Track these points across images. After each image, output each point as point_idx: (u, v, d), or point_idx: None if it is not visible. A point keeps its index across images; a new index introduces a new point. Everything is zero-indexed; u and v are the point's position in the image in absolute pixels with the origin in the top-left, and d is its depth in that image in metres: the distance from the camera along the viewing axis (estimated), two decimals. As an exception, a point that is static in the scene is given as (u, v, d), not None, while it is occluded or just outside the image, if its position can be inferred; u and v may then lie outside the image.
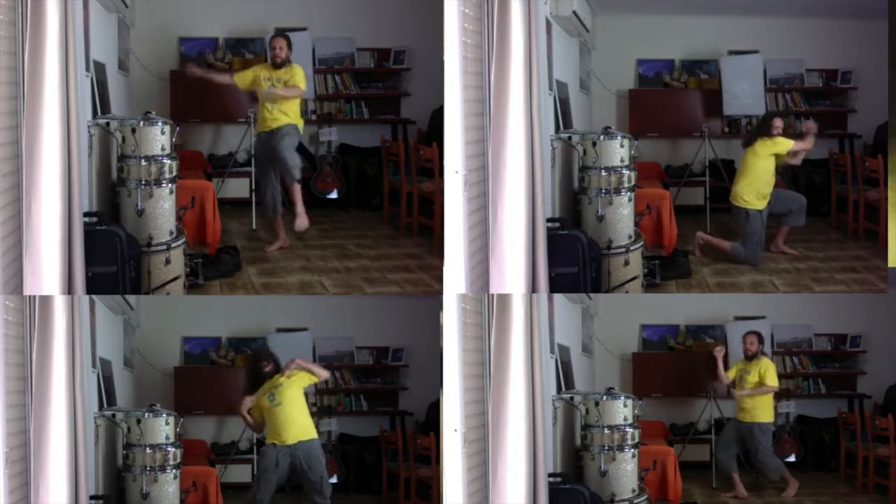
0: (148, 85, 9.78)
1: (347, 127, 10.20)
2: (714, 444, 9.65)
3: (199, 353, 9.66)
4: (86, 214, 7.88)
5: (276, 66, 9.16)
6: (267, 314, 9.56)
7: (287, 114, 9.16)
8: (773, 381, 9.31)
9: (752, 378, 9.30)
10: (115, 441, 8.51)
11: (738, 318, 9.84)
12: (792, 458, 9.75)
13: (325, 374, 8.66)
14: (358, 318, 9.51)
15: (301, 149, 9.90)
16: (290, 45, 9.20)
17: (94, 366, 8.42)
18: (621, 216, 8.57)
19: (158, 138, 8.36)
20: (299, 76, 9.17)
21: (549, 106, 8.55)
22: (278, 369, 8.57)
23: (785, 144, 9.28)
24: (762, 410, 9.33)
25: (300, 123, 9.22)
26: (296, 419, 8.49)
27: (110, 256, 8.03)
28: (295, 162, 9.15)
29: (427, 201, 9.50)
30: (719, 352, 9.43)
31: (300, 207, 9.18)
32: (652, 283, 8.81)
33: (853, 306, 9.85)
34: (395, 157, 9.88)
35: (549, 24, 8.59)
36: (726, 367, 9.45)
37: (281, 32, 9.37)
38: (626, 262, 8.56)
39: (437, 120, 9.12)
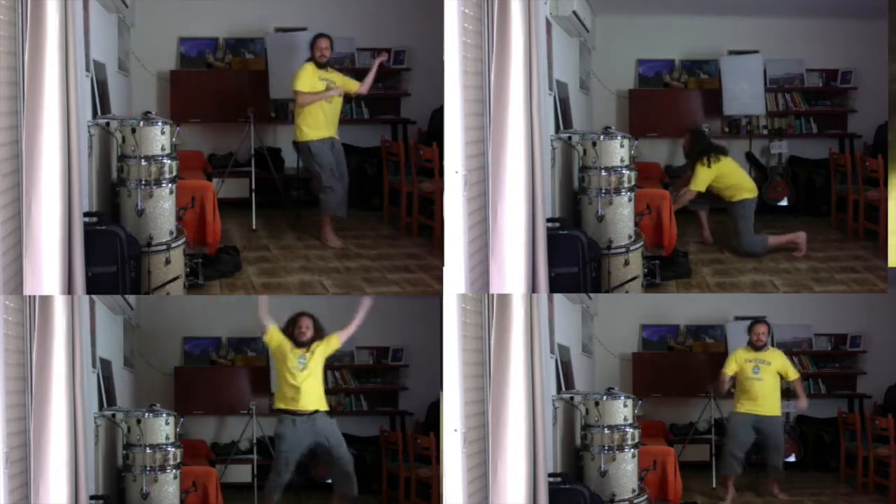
0: (148, 85, 9.78)
1: (348, 127, 10.18)
2: (714, 444, 9.64)
3: (199, 353, 9.67)
4: (86, 214, 7.88)
5: (321, 66, 9.26)
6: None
7: None
8: (794, 373, 9.25)
9: (774, 369, 9.16)
10: (115, 441, 8.51)
11: (738, 318, 9.84)
12: (792, 458, 9.75)
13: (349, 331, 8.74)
14: (358, 318, 9.50)
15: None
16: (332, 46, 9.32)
17: (94, 366, 8.42)
18: (621, 216, 8.57)
19: (158, 138, 8.36)
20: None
21: (549, 106, 8.55)
22: (315, 338, 8.63)
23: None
24: (778, 404, 9.25)
25: None
26: (319, 388, 8.63)
27: (110, 256, 8.03)
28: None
29: (427, 201, 9.50)
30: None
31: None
32: (652, 283, 8.81)
33: (853, 306, 9.85)
34: (395, 157, 9.88)
35: (549, 24, 8.59)
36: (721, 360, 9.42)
37: (323, 33, 9.39)
38: (626, 262, 8.56)
39: (437, 120, 9.12)
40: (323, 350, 8.68)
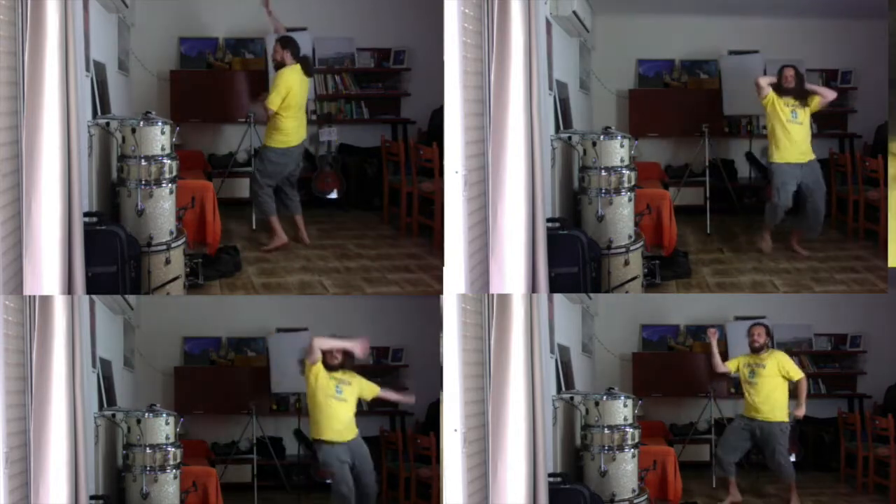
0: (148, 85, 9.78)
1: (347, 127, 10.20)
2: (714, 444, 9.64)
3: (199, 353, 9.66)
4: (86, 214, 7.88)
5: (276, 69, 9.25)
6: (267, 314, 9.55)
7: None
8: (797, 373, 9.11)
9: (770, 372, 9.09)
10: (115, 441, 8.51)
11: (738, 318, 9.84)
12: (792, 458, 9.73)
13: (398, 397, 8.93)
14: (358, 318, 9.50)
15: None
16: (284, 46, 9.21)
17: (94, 366, 8.42)
18: (621, 216, 8.57)
19: (158, 138, 8.36)
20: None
21: (549, 106, 8.55)
22: (346, 362, 8.59)
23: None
24: (782, 408, 9.16)
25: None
26: (351, 419, 8.60)
27: (110, 256, 8.03)
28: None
29: (427, 201, 9.50)
30: (713, 333, 9.22)
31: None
32: (652, 283, 8.81)
33: (853, 306, 9.85)
34: (395, 157, 9.88)
35: (549, 24, 8.59)
36: (723, 359, 9.33)
37: (281, 37, 9.36)
38: (626, 262, 8.56)
39: (437, 120, 9.13)
40: (360, 390, 8.63)
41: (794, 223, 9.48)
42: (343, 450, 8.55)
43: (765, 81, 9.29)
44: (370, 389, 8.66)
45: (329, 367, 8.54)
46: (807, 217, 9.41)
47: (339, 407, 8.54)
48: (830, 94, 9.35)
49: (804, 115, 9.31)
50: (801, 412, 9.10)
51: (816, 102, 9.32)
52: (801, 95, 9.32)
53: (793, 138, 9.31)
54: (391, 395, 8.84)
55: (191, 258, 8.61)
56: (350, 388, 8.57)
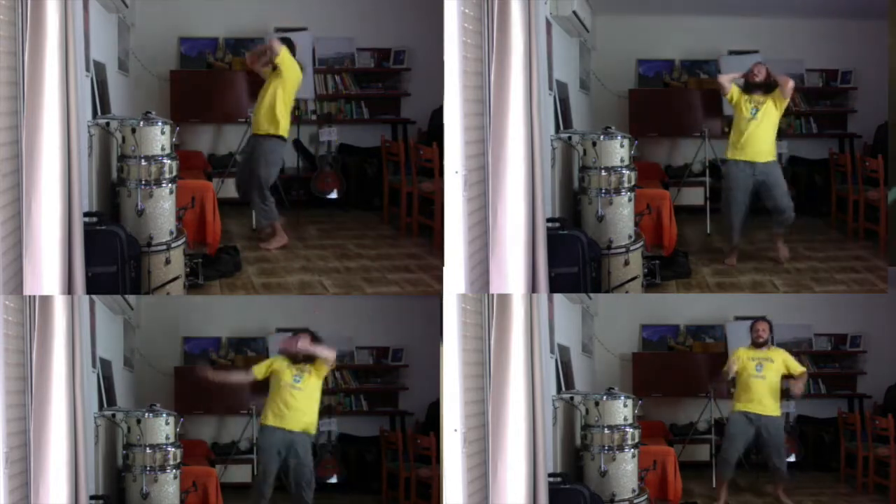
0: (148, 85, 9.78)
1: (347, 127, 10.20)
2: (714, 444, 9.64)
3: (199, 353, 9.66)
4: (86, 214, 7.88)
5: None
6: (267, 314, 9.55)
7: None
8: (799, 368, 9.12)
9: (777, 367, 9.05)
10: (115, 441, 8.51)
11: (738, 318, 9.84)
12: (792, 458, 9.75)
13: (331, 355, 8.60)
14: (358, 318, 9.50)
15: (301, 148, 9.92)
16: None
17: (94, 366, 8.42)
18: (621, 216, 8.57)
19: (158, 138, 8.36)
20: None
21: (549, 106, 8.56)
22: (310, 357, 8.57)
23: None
24: (777, 404, 9.19)
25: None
26: (310, 410, 8.54)
27: (110, 256, 8.03)
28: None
29: (427, 201, 9.50)
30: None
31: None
32: (652, 283, 8.81)
33: (853, 306, 9.85)
34: (395, 157, 9.88)
35: (549, 24, 8.59)
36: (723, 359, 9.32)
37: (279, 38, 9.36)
38: (626, 262, 8.56)
39: (437, 120, 9.13)
40: (319, 370, 8.59)
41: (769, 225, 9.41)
42: (282, 437, 8.50)
43: (727, 79, 9.21)
44: (324, 369, 8.59)
45: (294, 360, 8.54)
46: (772, 216, 9.31)
47: (294, 394, 8.51)
48: (789, 81, 9.12)
49: (765, 113, 9.19)
50: (799, 389, 9.15)
51: (781, 99, 9.17)
52: (769, 90, 9.19)
53: (750, 136, 9.19)
54: (321, 351, 8.59)
55: (191, 258, 8.61)
56: (309, 377, 8.53)
